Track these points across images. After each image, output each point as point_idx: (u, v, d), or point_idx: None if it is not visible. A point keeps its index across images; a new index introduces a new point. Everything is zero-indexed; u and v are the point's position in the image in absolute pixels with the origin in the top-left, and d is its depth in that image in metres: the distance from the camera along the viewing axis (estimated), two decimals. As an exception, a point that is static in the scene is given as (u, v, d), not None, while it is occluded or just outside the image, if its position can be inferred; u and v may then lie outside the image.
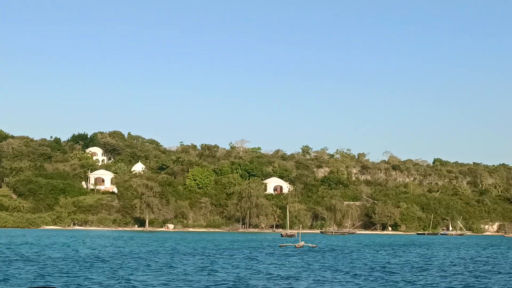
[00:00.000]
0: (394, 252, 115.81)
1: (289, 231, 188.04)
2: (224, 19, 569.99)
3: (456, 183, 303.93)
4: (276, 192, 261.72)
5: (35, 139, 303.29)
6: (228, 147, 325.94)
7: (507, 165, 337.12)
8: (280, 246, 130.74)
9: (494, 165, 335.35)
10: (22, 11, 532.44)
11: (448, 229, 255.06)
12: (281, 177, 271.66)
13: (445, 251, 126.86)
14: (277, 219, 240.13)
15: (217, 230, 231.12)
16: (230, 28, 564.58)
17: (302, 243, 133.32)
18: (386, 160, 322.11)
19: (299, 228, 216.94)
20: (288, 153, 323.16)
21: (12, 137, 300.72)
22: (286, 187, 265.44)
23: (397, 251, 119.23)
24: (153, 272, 68.42)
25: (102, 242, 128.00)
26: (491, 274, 75.05)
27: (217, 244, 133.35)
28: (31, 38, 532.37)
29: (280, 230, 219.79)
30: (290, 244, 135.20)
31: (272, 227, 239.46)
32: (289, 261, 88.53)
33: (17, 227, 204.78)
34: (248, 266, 79.35)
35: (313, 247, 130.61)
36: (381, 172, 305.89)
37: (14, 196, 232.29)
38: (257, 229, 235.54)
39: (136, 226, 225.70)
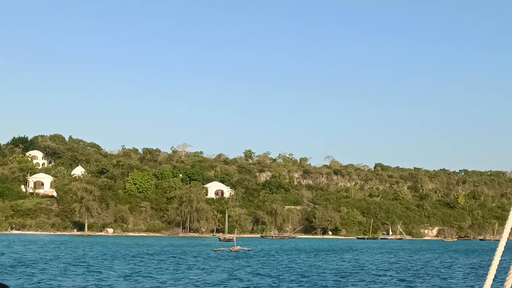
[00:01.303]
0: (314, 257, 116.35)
1: (227, 236, 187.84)
2: (167, 21, 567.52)
3: (397, 187, 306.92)
4: (217, 197, 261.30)
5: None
6: (170, 151, 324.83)
7: (447, 170, 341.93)
8: (215, 250, 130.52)
9: (434, 170, 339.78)
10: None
11: (388, 233, 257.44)
12: (222, 182, 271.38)
13: (371, 255, 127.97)
14: (217, 224, 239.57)
15: (157, 234, 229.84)
16: (175, 29, 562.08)
17: (237, 247, 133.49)
18: (328, 164, 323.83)
19: (240, 232, 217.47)
20: (231, 157, 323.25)
21: None
22: (227, 191, 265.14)
23: (319, 256, 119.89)
24: (70, 277, 67.59)
25: (31, 247, 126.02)
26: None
27: (149, 249, 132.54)
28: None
29: (220, 234, 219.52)
30: (225, 248, 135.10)
31: (212, 231, 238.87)
32: (211, 266, 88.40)
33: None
34: (172, 271, 78.97)
35: (248, 250, 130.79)
36: (322, 176, 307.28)
37: None
38: (197, 233, 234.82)
39: (75, 230, 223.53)
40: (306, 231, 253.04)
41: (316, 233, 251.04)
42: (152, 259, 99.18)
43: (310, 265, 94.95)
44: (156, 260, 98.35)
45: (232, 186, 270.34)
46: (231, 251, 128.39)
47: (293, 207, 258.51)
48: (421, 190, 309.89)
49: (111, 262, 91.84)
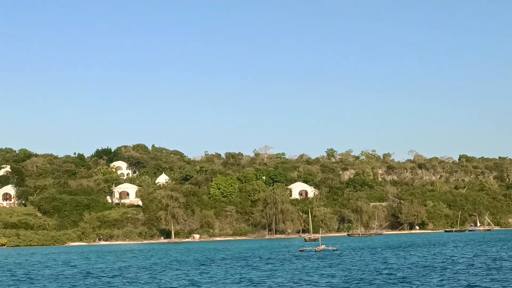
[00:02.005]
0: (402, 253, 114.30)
1: (312, 236, 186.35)
2: (239, 30, 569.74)
3: (483, 178, 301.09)
4: (301, 197, 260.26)
5: (59, 156, 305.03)
6: (252, 155, 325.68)
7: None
8: (300, 250, 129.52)
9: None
10: (43, 28, 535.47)
11: (475, 225, 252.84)
12: (305, 182, 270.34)
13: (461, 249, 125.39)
14: (303, 224, 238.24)
15: (243, 237, 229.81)
16: (248, 38, 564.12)
17: (322, 246, 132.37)
18: (412, 159, 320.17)
19: (326, 231, 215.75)
20: (313, 157, 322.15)
21: (36, 155, 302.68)
22: (311, 191, 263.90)
23: (408, 252, 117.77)
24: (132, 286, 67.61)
25: (108, 257, 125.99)
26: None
27: (228, 252, 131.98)
28: (53, 55, 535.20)
29: (306, 234, 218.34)
30: (310, 248, 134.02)
31: (298, 232, 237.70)
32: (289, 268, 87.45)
33: (42, 245, 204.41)
34: (241, 274, 78.40)
35: (333, 250, 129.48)
36: (407, 171, 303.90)
37: (39, 214, 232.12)
38: (283, 234, 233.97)
39: (162, 238, 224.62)
40: (393, 227, 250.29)
41: (403, 229, 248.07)
42: (235, 263, 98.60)
43: (411, 262, 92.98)
44: (227, 263, 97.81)
45: (316, 185, 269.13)
46: (316, 251, 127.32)
47: (378, 203, 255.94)
48: (507, 179, 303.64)
49: (208, 267, 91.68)
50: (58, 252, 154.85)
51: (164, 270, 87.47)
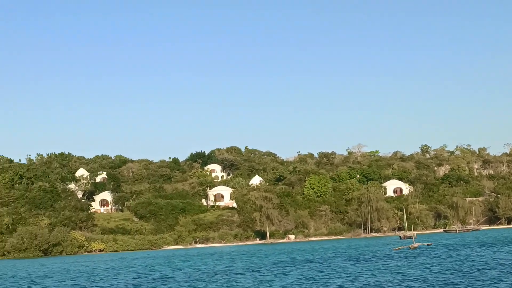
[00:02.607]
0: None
1: (407, 233, 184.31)
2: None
3: None
4: (396, 194, 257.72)
5: (154, 161, 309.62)
6: (345, 153, 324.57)
7: None
8: (393, 249, 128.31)
9: None
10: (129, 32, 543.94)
11: None
12: (400, 179, 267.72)
13: None
14: (398, 222, 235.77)
15: (338, 237, 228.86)
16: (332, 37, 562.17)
17: (416, 244, 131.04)
18: (508, 152, 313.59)
19: (422, 228, 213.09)
20: (407, 154, 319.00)
21: (132, 161, 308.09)
22: (405, 188, 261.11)
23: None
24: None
25: (193, 261, 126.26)
26: None
27: (320, 252, 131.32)
28: (150, 63, 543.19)
29: (400, 232, 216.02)
30: (404, 246, 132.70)
31: (394, 230, 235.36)
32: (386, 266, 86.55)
33: (139, 250, 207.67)
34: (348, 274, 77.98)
35: (428, 245, 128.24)
36: (503, 165, 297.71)
37: (136, 219, 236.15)
38: (379, 233, 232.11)
39: (257, 239, 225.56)
40: (490, 222, 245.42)
41: (500, 223, 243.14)
42: (307, 264, 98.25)
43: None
44: (312, 265, 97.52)
45: (411, 182, 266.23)
46: (410, 248, 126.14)
47: (474, 198, 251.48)
48: None
49: (262, 269, 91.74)
50: (169, 255, 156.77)
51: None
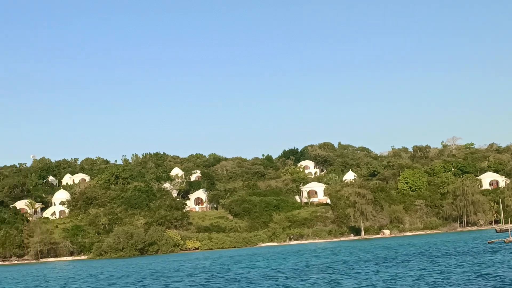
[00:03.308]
0: None
1: (504, 226, 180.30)
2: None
3: None
4: (492, 187, 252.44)
5: (247, 158, 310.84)
6: (440, 146, 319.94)
7: None
8: (488, 242, 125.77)
9: None
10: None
11: None
12: (496, 171, 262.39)
13: None
14: (495, 215, 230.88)
15: (434, 231, 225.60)
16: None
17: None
18: None
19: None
20: (503, 145, 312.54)
21: (225, 159, 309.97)
22: (502, 180, 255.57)
23: None
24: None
25: (282, 260, 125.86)
26: None
27: (412, 248, 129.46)
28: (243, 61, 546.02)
29: (496, 225, 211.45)
30: (499, 239, 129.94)
31: (491, 223, 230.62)
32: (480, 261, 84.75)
33: (234, 247, 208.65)
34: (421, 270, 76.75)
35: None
36: None
37: (230, 217, 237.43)
38: (475, 226, 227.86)
39: (352, 235, 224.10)
40: None
41: None
42: (415, 259, 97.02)
43: None
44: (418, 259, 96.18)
45: (507, 175, 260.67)
46: (505, 242, 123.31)
47: None
48: None
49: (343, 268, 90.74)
50: (241, 254, 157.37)
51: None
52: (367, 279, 71.79)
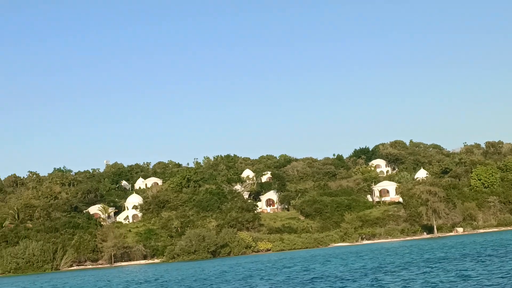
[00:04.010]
0: None
1: None
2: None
3: None
4: None
5: (318, 159, 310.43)
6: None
7: None
8: None
9: None
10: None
11: None
12: None
13: None
14: None
15: (508, 228, 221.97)
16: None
17: None
18: None
19: None
20: None
21: (296, 160, 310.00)
22: None
23: None
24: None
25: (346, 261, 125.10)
26: None
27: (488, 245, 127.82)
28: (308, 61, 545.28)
29: None
30: None
31: None
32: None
33: (306, 248, 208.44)
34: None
35: None
36: None
37: (302, 217, 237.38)
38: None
39: (424, 233, 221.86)
40: None
41: None
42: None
43: None
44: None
45: None
46: None
47: None
48: None
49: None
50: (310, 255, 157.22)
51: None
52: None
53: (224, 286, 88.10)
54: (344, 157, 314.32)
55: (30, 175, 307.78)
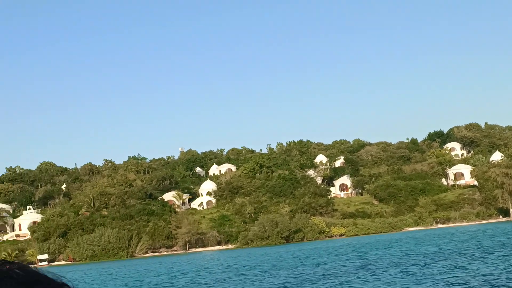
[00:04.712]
0: None
1: None
2: None
3: None
4: None
5: (392, 143, 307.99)
6: None
7: None
8: None
9: None
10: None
11: None
12: None
13: None
14: None
15: None
16: None
17: None
18: None
19: None
20: None
21: (370, 144, 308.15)
22: None
23: None
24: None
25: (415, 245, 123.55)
26: None
27: None
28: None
29: None
30: None
31: None
32: None
33: (380, 233, 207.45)
34: None
35: None
36: None
37: (375, 202, 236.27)
38: None
39: (500, 217, 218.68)
40: None
41: None
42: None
43: None
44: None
45: None
46: None
47: None
48: None
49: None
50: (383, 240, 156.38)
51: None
52: None
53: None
54: (419, 141, 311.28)
55: (106, 163, 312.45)
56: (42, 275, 2.67)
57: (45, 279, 2.64)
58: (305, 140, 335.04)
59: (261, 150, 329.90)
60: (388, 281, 61.86)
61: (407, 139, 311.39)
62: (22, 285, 2.52)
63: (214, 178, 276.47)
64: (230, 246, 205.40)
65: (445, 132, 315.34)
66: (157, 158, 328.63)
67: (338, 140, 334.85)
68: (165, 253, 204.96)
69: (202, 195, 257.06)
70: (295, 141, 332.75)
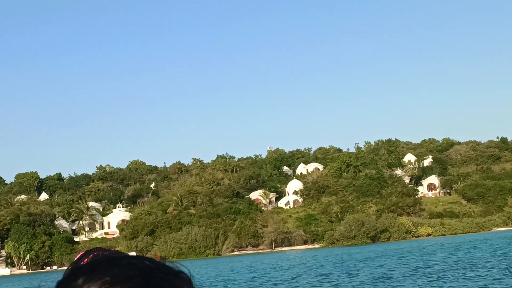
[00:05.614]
0: None
1: None
2: None
3: None
4: None
5: (482, 142, 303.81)
6: None
7: None
8: None
9: None
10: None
11: None
12: None
13: None
14: None
15: None
16: None
17: None
18: None
19: None
20: None
21: (459, 143, 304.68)
22: None
23: None
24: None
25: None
26: None
27: None
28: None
29: None
30: None
31: None
32: None
33: (467, 233, 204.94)
34: None
35: None
36: None
37: (464, 202, 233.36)
38: None
39: None
40: None
41: None
42: None
43: None
44: None
45: None
46: None
47: None
48: None
49: None
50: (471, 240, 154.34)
51: None
52: None
53: None
54: (509, 140, 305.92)
55: (194, 162, 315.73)
56: (160, 263, 2.84)
57: (164, 267, 2.81)
58: (394, 139, 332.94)
59: (348, 149, 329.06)
60: None
61: (497, 137, 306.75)
62: (147, 269, 2.72)
63: (301, 177, 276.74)
64: (316, 246, 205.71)
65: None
66: (245, 157, 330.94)
67: (427, 139, 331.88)
68: (251, 251, 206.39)
69: (288, 194, 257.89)
70: (383, 140, 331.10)
